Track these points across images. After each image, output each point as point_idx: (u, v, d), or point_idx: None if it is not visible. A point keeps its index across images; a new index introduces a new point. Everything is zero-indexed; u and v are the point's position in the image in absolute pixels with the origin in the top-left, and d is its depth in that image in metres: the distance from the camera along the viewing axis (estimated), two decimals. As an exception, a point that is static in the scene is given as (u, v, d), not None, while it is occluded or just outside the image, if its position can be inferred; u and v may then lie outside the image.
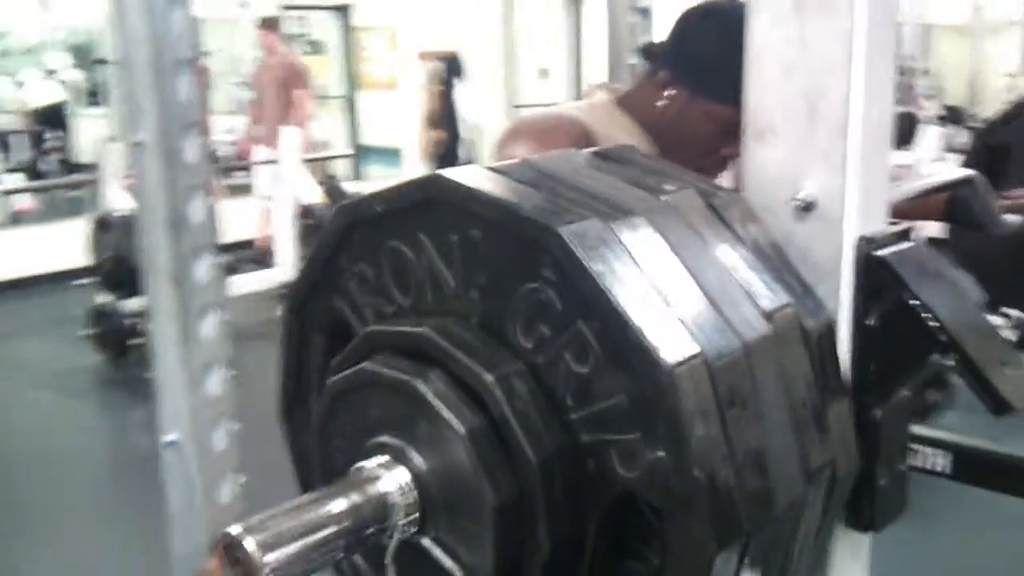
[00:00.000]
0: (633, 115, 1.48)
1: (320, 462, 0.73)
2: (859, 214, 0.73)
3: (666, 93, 1.42)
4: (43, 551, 3.62)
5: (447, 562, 0.65)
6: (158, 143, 1.36)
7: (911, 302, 0.72)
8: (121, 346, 5.44)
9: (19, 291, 7.34)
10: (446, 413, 0.63)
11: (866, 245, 0.73)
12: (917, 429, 1.91)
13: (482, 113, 8.52)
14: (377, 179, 9.65)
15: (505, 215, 0.65)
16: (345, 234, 0.76)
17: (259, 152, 7.44)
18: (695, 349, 0.60)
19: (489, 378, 0.63)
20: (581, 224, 0.63)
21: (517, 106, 6.29)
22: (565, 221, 0.62)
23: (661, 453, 0.59)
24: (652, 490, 0.60)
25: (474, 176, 0.69)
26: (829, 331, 0.70)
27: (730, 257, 0.68)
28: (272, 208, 6.71)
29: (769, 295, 0.67)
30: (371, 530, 0.64)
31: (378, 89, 10.30)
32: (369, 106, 10.41)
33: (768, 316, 0.65)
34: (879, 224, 0.76)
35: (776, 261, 0.71)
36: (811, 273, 0.73)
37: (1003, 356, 0.73)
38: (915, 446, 1.91)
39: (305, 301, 0.80)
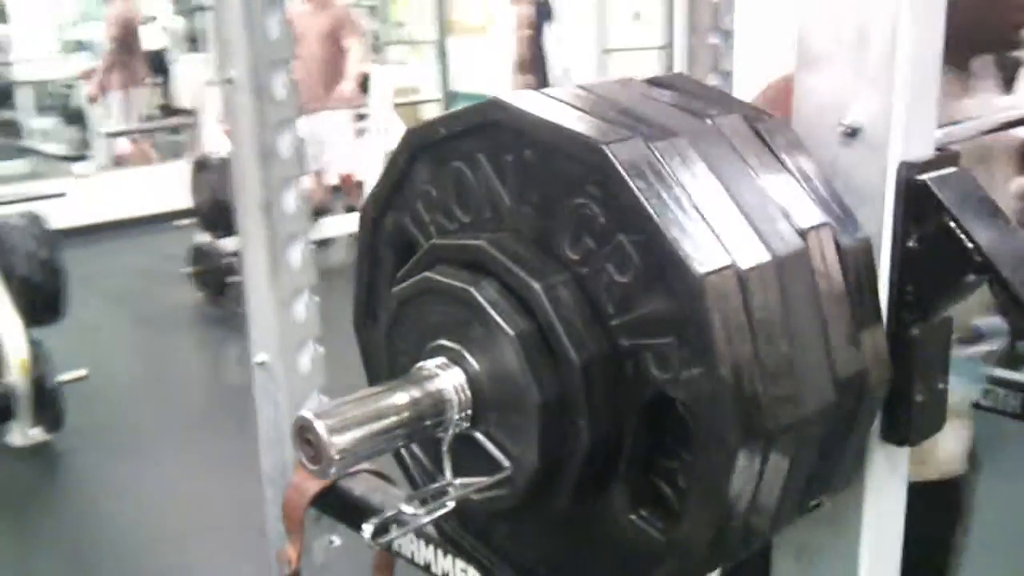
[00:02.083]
0: None
1: (386, 363, 0.79)
2: (904, 140, 0.75)
3: None
4: (145, 468, 3.85)
5: (496, 453, 0.71)
6: (249, 80, 1.44)
7: (950, 224, 0.74)
8: (219, 284, 5.66)
9: (124, 231, 7.66)
10: (497, 318, 0.69)
11: (908, 170, 0.76)
12: (995, 372, 1.91)
13: (572, 58, 8.47)
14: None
15: (554, 135, 0.69)
16: (412, 156, 0.81)
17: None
18: (727, 260, 0.64)
19: (537, 286, 0.69)
20: (625, 143, 0.67)
21: (608, 50, 6.24)
22: (610, 140, 0.67)
23: (692, 355, 0.64)
24: (683, 389, 0.65)
25: (529, 100, 0.73)
26: (866, 250, 0.73)
27: (770, 179, 0.72)
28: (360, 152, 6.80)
29: (806, 214, 0.71)
30: (428, 422, 0.71)
31: (469, 34, 10.31)
32: (460, 52, 10.43)
33: (802, 233, 0.69)
34: (925, 151, 0.78)
35: (817, 184, 0.75)
36: (854, 198, 0.76)
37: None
38: (990, 387, 1.91)
39: (377, 218, 0.86)
